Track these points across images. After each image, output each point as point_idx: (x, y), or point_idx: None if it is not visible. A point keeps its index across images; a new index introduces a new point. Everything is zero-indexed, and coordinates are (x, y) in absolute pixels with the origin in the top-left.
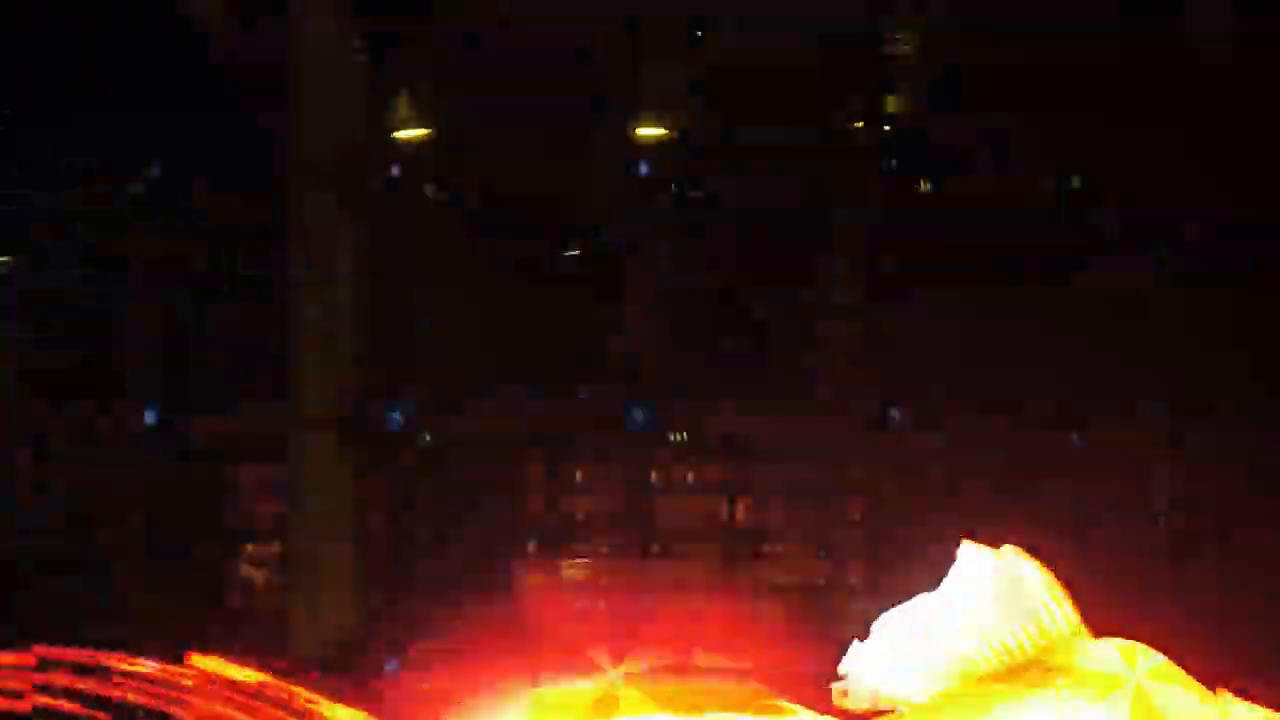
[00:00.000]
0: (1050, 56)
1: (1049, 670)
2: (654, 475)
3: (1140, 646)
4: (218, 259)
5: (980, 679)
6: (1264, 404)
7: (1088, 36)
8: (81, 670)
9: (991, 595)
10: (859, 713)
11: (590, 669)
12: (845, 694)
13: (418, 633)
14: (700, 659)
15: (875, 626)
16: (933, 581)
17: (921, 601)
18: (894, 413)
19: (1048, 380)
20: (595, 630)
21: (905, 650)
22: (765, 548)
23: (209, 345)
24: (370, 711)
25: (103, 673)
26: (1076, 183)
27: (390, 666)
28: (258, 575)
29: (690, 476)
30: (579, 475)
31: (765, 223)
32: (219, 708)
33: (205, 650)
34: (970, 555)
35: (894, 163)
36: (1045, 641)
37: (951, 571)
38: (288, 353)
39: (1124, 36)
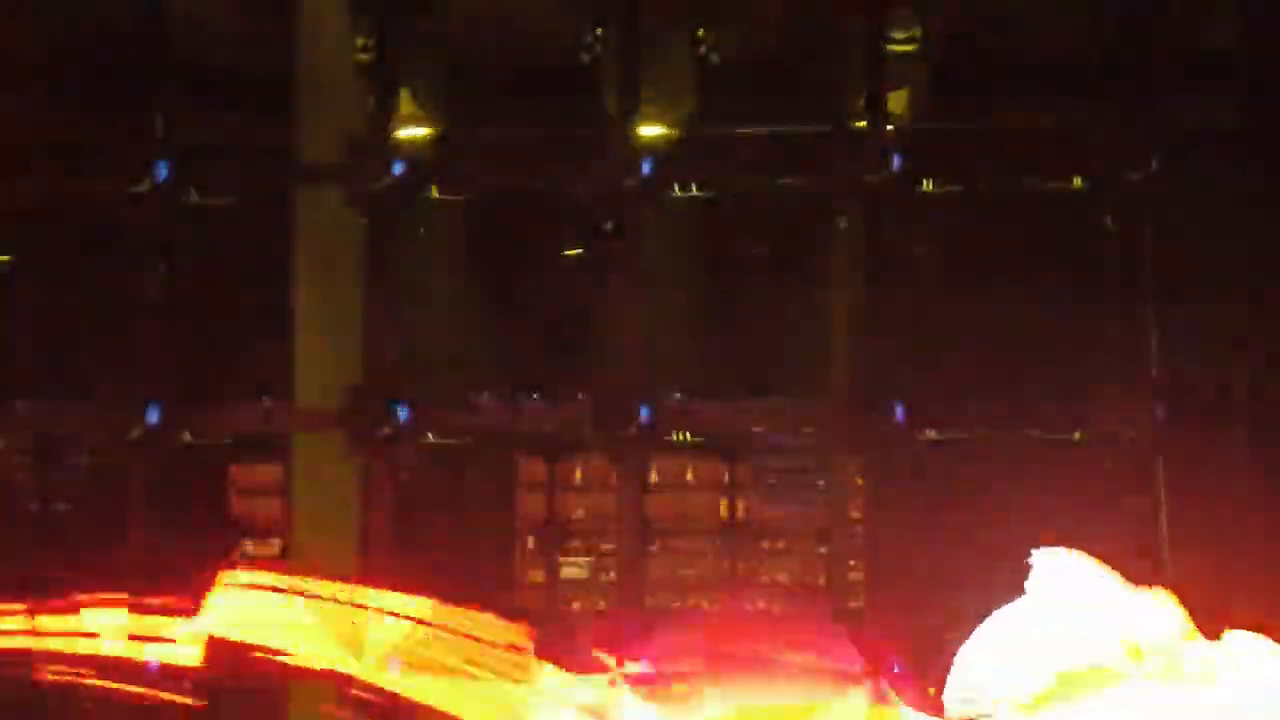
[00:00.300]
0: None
1: (1158, 670)
2: (654, 473)
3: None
4: (220, 256)
5: (1087, 681)
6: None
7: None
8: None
9: (1098, 601)
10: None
11: (592, 669)
12: (956, 700)
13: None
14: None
15: (980, 629)
16: (1012, 584)
17: (1025, 605)
18: (897, 411)
19: (1052, 379)
20: (596, 629)
21: (1010, 654)
22: (765, 545)
23: (210, 343)
24: None
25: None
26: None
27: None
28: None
29: (690, 475)
30: (579, 473)
31: (767, 220)
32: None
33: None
34: (1065, 561)
35: (896, 159)
36: (1158, 643)
37: (1049, 575)
38: (290, 351)
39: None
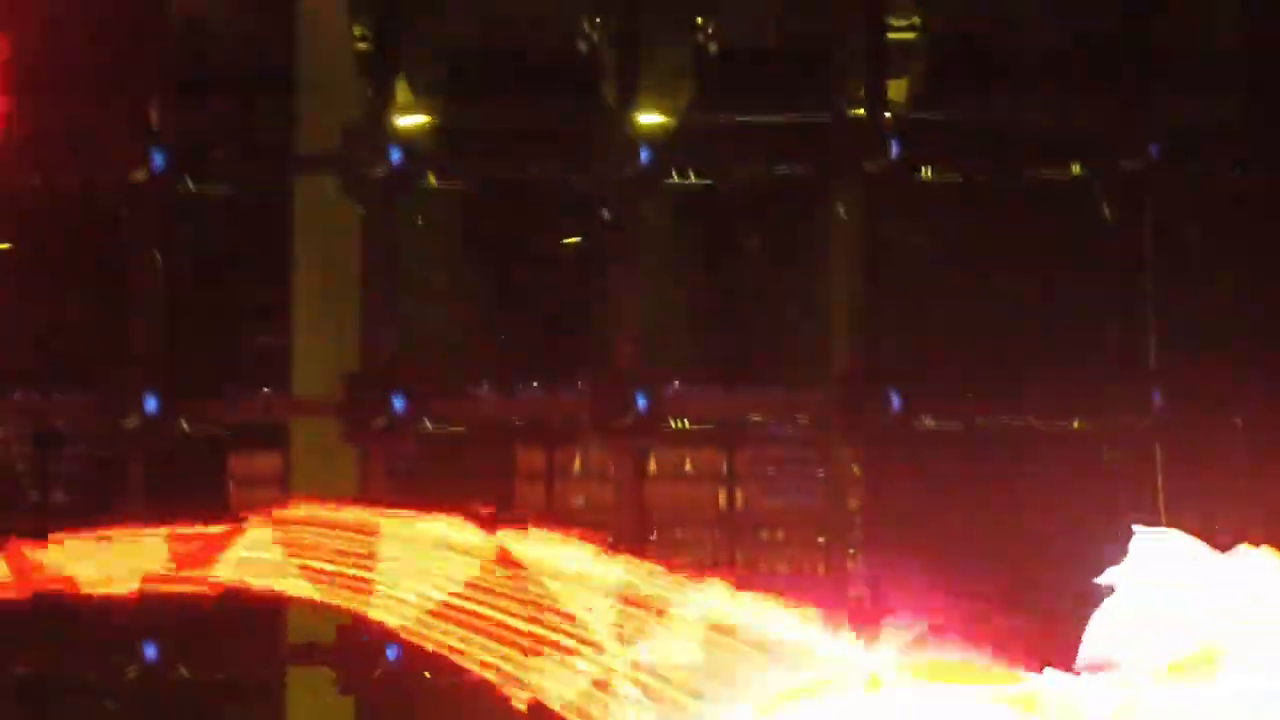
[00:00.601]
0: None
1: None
2: (653, 464)
3: None
4: (218, 246)
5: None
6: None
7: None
8: None
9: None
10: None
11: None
12: (1088, 662)
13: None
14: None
15: (1112, 597)
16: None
17: (1152, 581)
18: (894, 400)
19: (1051, 367)
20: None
21: (1143, 623)
22: (764, 534)
23: (210, 332)
24: None
25: None
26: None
27: (391, 654)
28: None
29: (689, 465)
30: (577, 462)
31: (767, 210)
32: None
33: None
34: (1173, 542)
35: (895, 147)
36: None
37: (1164, 555)
38: (288, 340)
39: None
